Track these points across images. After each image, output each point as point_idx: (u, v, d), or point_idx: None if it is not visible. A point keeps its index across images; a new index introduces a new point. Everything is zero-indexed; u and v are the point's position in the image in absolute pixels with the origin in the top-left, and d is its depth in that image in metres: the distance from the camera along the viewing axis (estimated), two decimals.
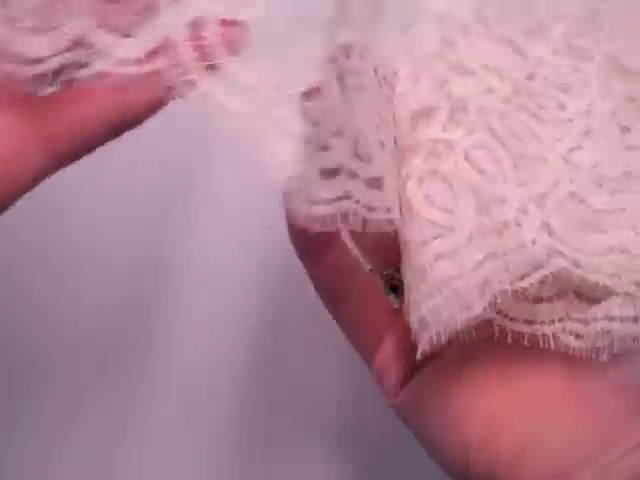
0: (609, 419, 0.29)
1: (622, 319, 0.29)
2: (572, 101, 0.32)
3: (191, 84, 0.25)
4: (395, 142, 0.31)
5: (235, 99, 0.26)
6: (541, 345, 0.30)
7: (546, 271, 0.28)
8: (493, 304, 0.28)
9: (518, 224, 0.29)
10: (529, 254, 0.28)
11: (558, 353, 0.29)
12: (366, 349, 0.32)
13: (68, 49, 0.25)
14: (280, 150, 0.26)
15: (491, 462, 0.29)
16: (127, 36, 0.26)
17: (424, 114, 0.31)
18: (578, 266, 0.29)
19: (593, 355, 0.29)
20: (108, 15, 0.25)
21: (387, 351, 0.32)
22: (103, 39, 0.25)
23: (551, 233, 0.29)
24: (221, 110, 0.26)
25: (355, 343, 0.33)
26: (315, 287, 0.32)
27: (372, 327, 0.32)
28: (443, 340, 0.28)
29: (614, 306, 0.29)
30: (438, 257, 0.28)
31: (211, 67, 0.26)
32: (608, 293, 0.29)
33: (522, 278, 0.28)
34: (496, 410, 0.30)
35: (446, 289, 0.28)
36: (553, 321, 0.30)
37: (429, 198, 0.30)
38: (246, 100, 0.26)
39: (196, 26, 0.26)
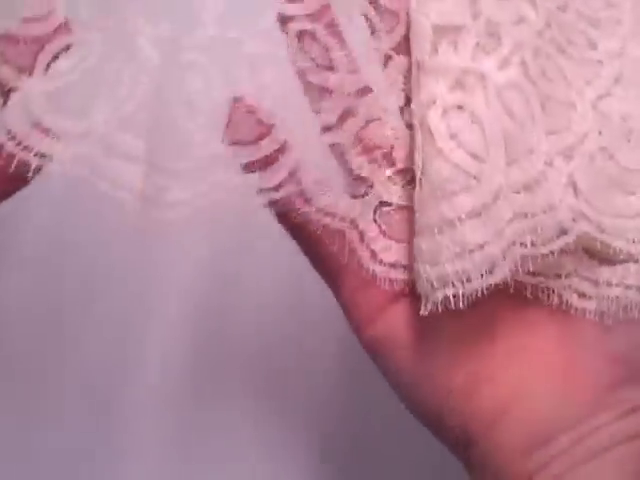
0: (596, 387, 0.28)
1: (639, 288, 0.28)
2: (603, 40, 0.30)
3: (42, 156, 0.28)
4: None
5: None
6: (544, 301, 0.29)
7: (570, 238, 0.27)
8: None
9: (546, 180, 0.27)
10: (556, 217, 0.27)
11: (558, 310, 0.29)
12: (333, 280, 0.31)
13: None
14: (122, 171, 0.28)
15: (469, 414, 0.29)
16: None
17: (448, 32, 0.29)
18: (602, 231, 0.28)
19: (596, 318, 0.28)
20: None
21: (354, 283, 0.30)
22: None
23: (577, 192, 0.28)
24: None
25: (322, 274, 0.31)
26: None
27: (336, 256, 0.30)
28: (462, 305, 0.27)
29: (630, 273, 0.28)
30: (469, 215, 0.27)
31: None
32: (627, 258, 0.28)
33: (545, 243, 0.27)
34: (485, 361, 0.29)
35: (478, 254, 0.26)
36: (559, 275, 0.29)
37: (455, 137, 0.28)
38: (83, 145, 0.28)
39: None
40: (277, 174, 0.28)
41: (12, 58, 0.28)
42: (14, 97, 0.28)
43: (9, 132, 0.27)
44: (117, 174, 0.28)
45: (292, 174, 0.28)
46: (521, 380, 0.28)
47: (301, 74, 0.29)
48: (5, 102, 0.28)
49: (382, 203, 0.30)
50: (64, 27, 0.28)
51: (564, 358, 0.28)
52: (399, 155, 0.30)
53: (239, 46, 0.28)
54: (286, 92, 0.29)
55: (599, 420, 0.27)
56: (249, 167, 0.28)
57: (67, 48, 0.28)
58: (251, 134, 0.28)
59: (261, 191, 0.28)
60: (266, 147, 0.28)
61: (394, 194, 0.30)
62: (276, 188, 0.28)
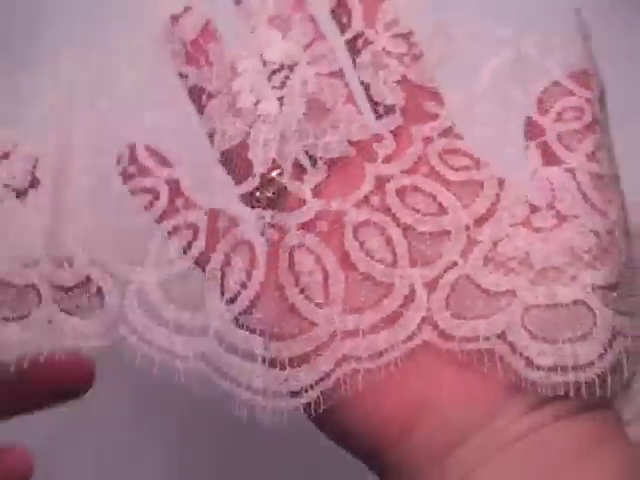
0: (495, 392, 0.29)
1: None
2: None
3: (165, 352, 0.29)
4: None
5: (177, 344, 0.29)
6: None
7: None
8: None
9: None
10: None
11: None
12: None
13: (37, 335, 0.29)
14: (242, 369, 0.29)
15: (376, 427, 0.30)
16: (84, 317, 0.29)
17: None
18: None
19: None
20: (68, 301, 0.29)
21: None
22: (67, 320, 0.29)
23: None
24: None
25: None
26: None
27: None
28: None
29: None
30: None
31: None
32: None
33: None
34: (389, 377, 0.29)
35: None
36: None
37: None
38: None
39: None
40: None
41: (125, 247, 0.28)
42: (130, 289, 0.29)
43: (130, 326, 0.28)
44: (238, 372, 0.29)
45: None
46: (424, 393, 0.29)
47: (407, 228, 0.30)
48: (121, 295, 0.29)
49: (528, 308, 0.29)
50: (173, 206, 0.30)
51: (460, 375, 0.29)
52: (536, 257, 0.30)
53: None
54: None
55: (503, 420, 0.29)
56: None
57: (175, 230, 0.30)
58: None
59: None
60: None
61: (540, 294, 0.29)
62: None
